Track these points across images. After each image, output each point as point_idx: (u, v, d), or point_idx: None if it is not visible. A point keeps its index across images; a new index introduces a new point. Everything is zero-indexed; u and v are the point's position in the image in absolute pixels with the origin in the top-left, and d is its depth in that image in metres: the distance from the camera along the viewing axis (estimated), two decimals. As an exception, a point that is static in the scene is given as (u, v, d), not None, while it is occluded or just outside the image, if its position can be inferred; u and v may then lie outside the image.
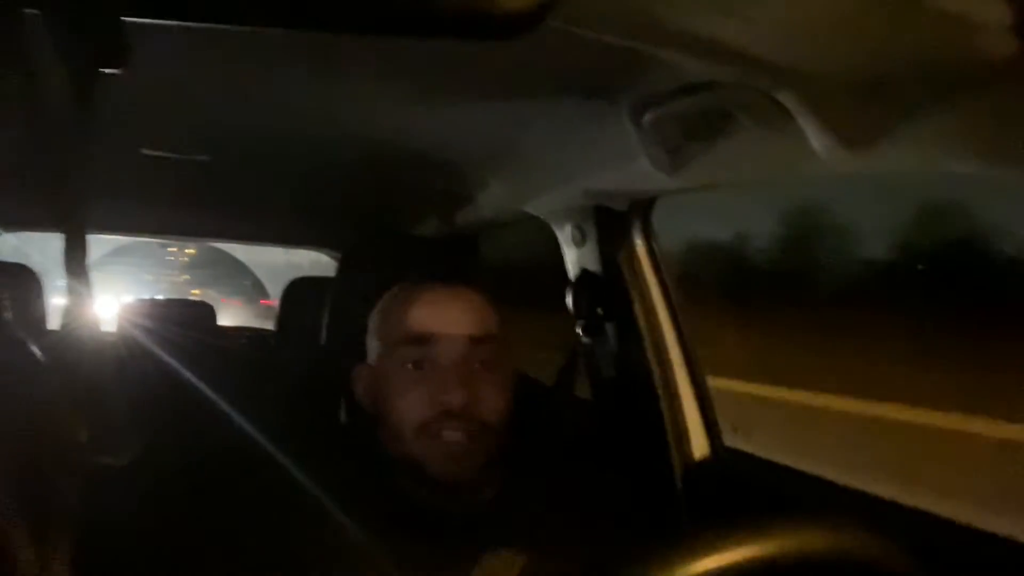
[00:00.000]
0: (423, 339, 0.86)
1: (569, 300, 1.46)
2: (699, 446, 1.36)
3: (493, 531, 0.87)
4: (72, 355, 0.50)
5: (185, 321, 2.24)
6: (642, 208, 1.39)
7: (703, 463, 1.35)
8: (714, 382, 1.33)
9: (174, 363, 1.77)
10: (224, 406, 1.42)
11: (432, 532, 0.86)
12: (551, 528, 0.89)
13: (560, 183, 1.37)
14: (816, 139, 0.75)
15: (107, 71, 0.41)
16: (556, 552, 0.87)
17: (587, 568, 0.55)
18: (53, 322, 2.23)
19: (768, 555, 0.51)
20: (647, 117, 0.92)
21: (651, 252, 1.41)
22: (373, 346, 0.93)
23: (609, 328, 1.44)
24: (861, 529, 0.55)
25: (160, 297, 2.93)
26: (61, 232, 0.42)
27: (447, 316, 0.87)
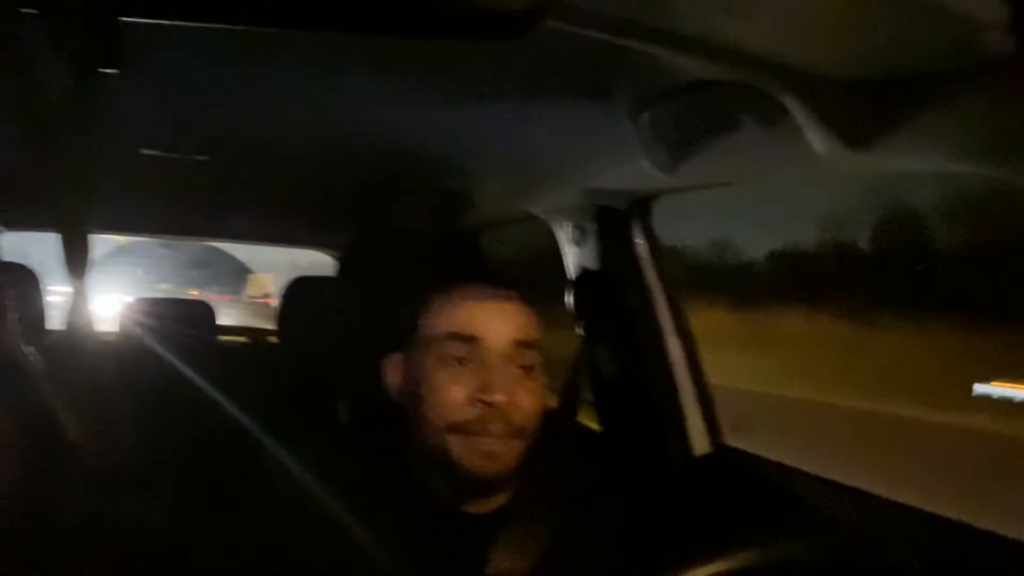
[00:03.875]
0: (469, 337, 0.87)
1: (569, 299, 1.46)
2: (700, 444, 1.36)
3: (506, 531, 0.87)
4: (74, 355, 0.50)
5: (185, 320, 2.23)
6: (642, 207, 1.39)
7: (704, 461, 1.35)
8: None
9: (175, 362, 1.77)
10: (225, 405, 1.42)
11: (448, 529, 0.86)
12: (562, 529, 0.89)
13: (560, 182, 1.37)
14: (816, 139, 0.75)
15: (106, 71, 0.41)
16: (565, 553, 0.88)
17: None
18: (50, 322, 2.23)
19: (769, 558, 0.52)
20: (647, 116, 0.92)
21: (652, 250, 1.41)
22: (413, 338, 0.92)
23: (610, 326, 1.44)
24: (861, 529, 0.55)
25: (160, 296, 2.93)
26: (62, 233, 0.42)
27: (496, 317, 0.88)
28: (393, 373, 0.94)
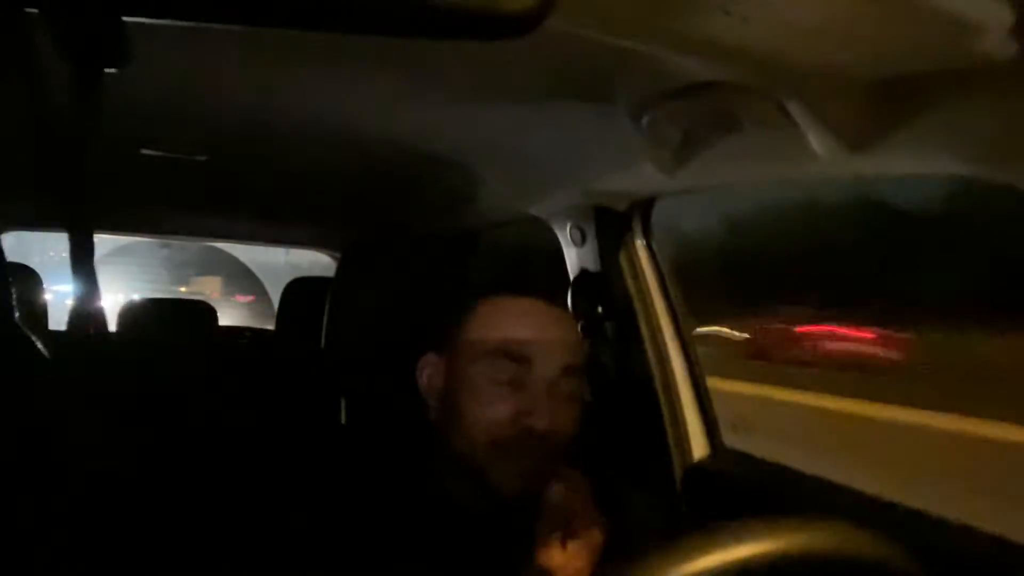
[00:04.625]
0: (520, 357, 0.86)
1: (569, 300, 1.46)
2: (698, 445, 1.36)
3: (526, 538, 0.87)
4: (76, 355, 0.50)
5: (185, 320, 2.23)
6: (642, 208, 1.39)
7: (702, 463, 1.35)
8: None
9: (174, 362, 1.77)
10: (224, 406, 1.42)
11: (467, 536, 0.86)
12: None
13: (560, 183, 1.37)
14: (816, 139, 0.75)
15: (107, 71, 0.41)
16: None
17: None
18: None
19: (766, 556, 0.52)
20: (647, 117, 0.92)
21: (651, 252, 1.41)
22: (458, 343, 0.91)
23: (609, 328, 1.44)
24: (859, 529, 0.55)
25: (159, 296, 2.93)
26: (67, 233, 0.42)
27: (547, 340, 0.87)
28: (432, 376, 0.92)
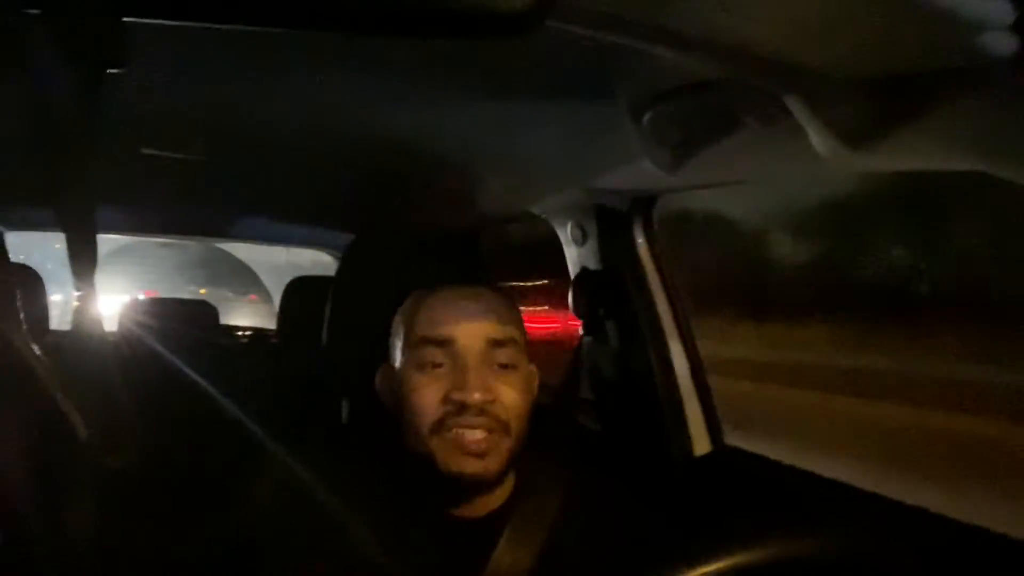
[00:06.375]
0: (442, 340, 0.87)
1: (570, 299, 1.46)
2: (700, 444, 1.36)
3: (503, 535, 0.87)
4: (76, 355, 0.50)
5: (187, 320, 2.24)
6: (643, 206, 1.39)
7: (704, 461, 1.35)
8: None
9: (176, 362, 1.78)
10: (226, 405, 1.42)
11: (441, 533, 0.86)
12: (560, 534, 0.89)
13: (561, 182, 1.37)
14: (816, 138, 0.75)
15: (108, 71, 0.41)
16: (563, 556, 0.87)
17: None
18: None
19: (768, 558, 0.52)
20: (647, 116, 0.92)
21: (652, 250, 1.41)
22: (394, 346, 0.93)
23: (610, 326, 1.44)
24: (860, 529, 0.56)
25: (161, 296, 2.93)
26: (68, 234, 0.42)
27: (466, 318, 0.88)
28: (382, 382, 0.94)
